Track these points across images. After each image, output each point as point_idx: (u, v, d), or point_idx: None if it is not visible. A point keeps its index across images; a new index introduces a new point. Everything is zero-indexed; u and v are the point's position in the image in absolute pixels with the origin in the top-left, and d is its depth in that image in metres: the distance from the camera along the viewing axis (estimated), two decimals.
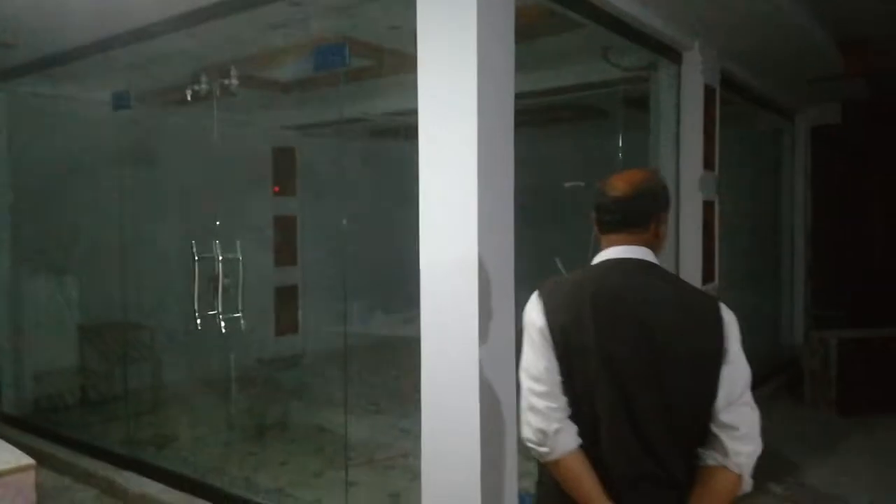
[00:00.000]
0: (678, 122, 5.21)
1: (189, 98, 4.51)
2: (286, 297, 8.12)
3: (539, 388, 1.78)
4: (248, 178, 7.58)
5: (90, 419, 5.74)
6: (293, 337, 8.19)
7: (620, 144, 4.76)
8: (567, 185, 3.86)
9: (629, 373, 1.73)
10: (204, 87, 4.46)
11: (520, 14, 4.08)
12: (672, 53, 5.07)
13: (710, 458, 1.74)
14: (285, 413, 5.99)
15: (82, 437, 5.29)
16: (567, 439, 1.77)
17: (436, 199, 3.02)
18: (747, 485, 1.76)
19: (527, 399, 1.81)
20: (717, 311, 1.76)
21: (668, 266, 5.18)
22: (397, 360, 6.05)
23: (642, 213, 1.82)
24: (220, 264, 4.29)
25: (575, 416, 1.79)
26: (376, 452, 5.08)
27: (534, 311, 1.83)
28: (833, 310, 7.89)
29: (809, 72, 6.36)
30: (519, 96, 6.20)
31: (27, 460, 2.47)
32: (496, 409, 2.93)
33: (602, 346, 1.73)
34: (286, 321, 8.11)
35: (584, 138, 7.21)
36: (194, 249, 4.39)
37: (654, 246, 1.86)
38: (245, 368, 7.28)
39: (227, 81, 4.38)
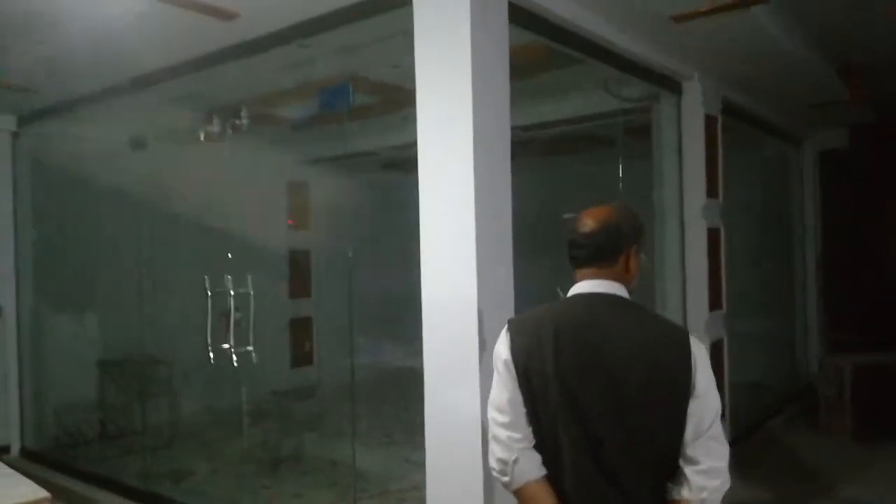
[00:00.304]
0: (680, 151, 5.29)
1: (202, 138, 4.67)
2: (301, 329, 8.21)
3: (502, 418, 1.83)
4: (263, 212, 7.74)
5: (108, 453, 5.82)
6: (308, 369, 8.26)
7: (620, 174, 4.83)
8: (566, 216, 3.92)
9: (590, 405, 1.74)
10: (216, 127, 4.62)
11: (519, 51, 4.23)
12: (672, 84, 5.17)
13: (676, 492, 1.75)
14: (299, 445, 6.03)
15: (100, 472, 5.37)
16: (527, 469, 1.80)
17: (435, 233, 3.12)
18: None
19: (491, 429, 1.86)
20: (686, 344, 1.76)
21: (675, 295, 5.23)
22: (409, 392, 6.10)
23: (610, 248, 1.86)
24: (232, 299, 4.38)
25: (540, 447, 1.83)
26: (389, 485, 5.10)
27: (501, 345, 1.88)
28: (848, 334, 7.82)
29: (812, 98, 6.42)
30: (525, 128, 6.33)
31: (43, 493, 2.56)
32: None
33: (562, 379, 1.76)
34: (301, 353, 8.19)
35: (591, 168, 7.28)
36: (207, 285, 4.51)
37: (624, 279, 1.89)
38: (261, 401, 7.36)
39: (238, 121, 4.54)
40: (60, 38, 4.21)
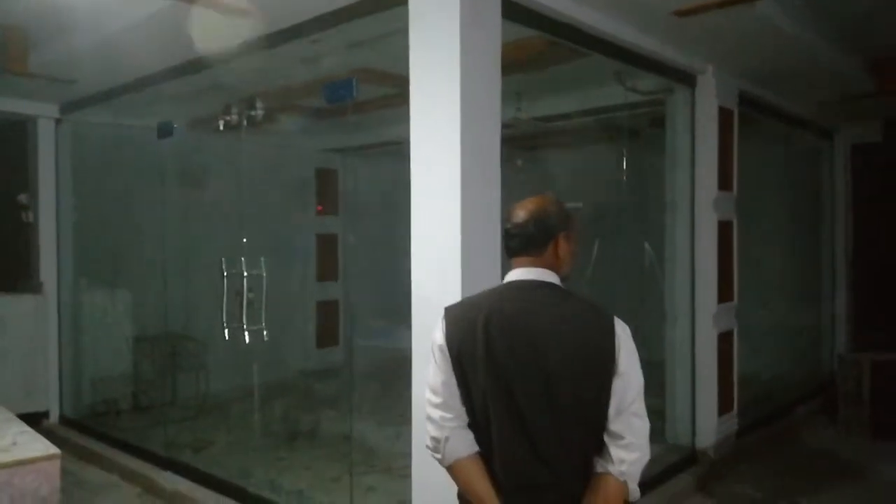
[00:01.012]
0: (693, 143, 5.31)
1: (221, 127, 4.90)
2: (327, 311, 8.50)
3: (436, 399, 1.96)
4: (291, 198, 8.02)
5: (139, 423, 6.17)
6: (334, 349, 8.55)
7: (624, 167, 4.90)
8: (570, 205, 4.05)
9: (518, 385, 1.86)
10: (234, 117, 4.85)
11: (524, 45, 4.34)
12: (685, 77, 5.19)
13: (600, 465, 1.87)
14: (317, 422, 6.30)
15: (131, 440, 5.73)
16: (458, 446, 1.93)
17: (424, 227, 3.31)
18: (634, 493, 1.88)
19: (425, 409, 1.99)
20: (610, 325, 1.88)
21: (684, 286, 5.28)
22: None
23: (539, 237, 1.98)
24: (245, 280, 4.62)
25: (473, 426, 1.95)
26: (397, 461, 5.31)
27: (437, 330, 2.01)
28: (879, 330, 7.70)
29: (838, 92, 6.32)
30: (544, 119, 6.38)
31: (54, 450, 2.83)
32: None
33: (492, 361, 1.88)
34: (327, 334, 8.48)
35: (608, 158, 7.33)
36: (223, 266, 4.76)
37: (555, 266, 2.00)
38: (286, 379, 7.67)
39: (253, 112, 4.76)
40: (96, 34, 4.52)
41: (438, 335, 2.00)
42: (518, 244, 2.00)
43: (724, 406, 5.32)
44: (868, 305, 7.92)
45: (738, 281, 5.59)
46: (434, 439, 1.96)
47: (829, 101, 6.69)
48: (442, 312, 2.05)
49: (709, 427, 5.23)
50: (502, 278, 3.30)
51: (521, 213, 2.01)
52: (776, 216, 7.47)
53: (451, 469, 1.96)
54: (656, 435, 5.19)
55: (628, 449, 1.83)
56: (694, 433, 5.25)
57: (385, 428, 5.84)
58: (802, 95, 6.48)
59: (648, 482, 4.60)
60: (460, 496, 2.01)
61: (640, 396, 1.87)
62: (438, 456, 1.97)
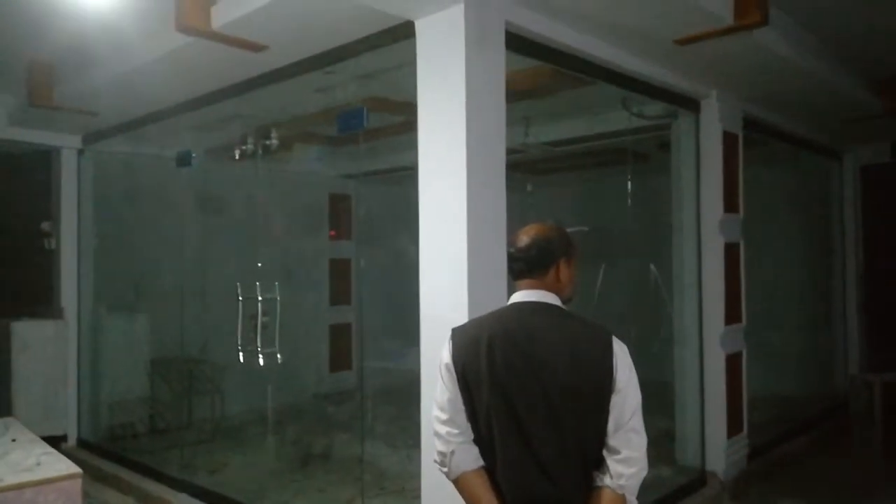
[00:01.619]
0: (698, 167, 5.39)
1: (238, 157, 5.06)
2: (340, 335, 8.59)
3: (442, 416, 2.06)
4: (305, 223, 8.17)
5: (156, 445, 6.28)
6: (347, 373, 8.63)
7: (629, 190, 4.98)
8: (570, 230, 4.13)
9: (520, 402, 1.95)
10: (250, 146, 5.00)
11: (530, 73, 4.47)
12: (689, 102, 5.28)
13: (600, 479, 1.95)
14: (331, 444, 6.36)
15: (148, 462, 5.82)
16: (463, 460, 2.02)
17: (432, 250, 3.39)
18: None
19: (433, 425, 2.09)
20: (609, 344, 1.96)
21: (692, 309, 5.33)
22: None
23: (541, 262, 2.09)
24: (260, 304, 4.74)
25: (478, 442, 2.04)
26: (409, 482, 5.36)
27: (444, 350, 2.11)
28: (891, 352, 7.68)
29: (844, 114, 6.38)
30: (551, 144, 6.50)
31: (76, 470, 2.94)
32: None
33: (495, 379, 1.98)
34: (340, 357, 8.57)
35: (616, 181, 7.42)
36: (239, 291, 4.89)
37: (556, 289, 2.11)
38: (300, 403, 7.76)
39: (268, 141, 4.91)
40: (118, 69, 4.71)
41: (445, 354, 2.10)
42: (521, 268, 2.11)
43: (733, 428, 5.33)
44: (880, 326, 7.91)
45: (746, 302, 5.63)
46: (441, 453, 2.06)
47: (836, 123, 6.75)
48: (449, 333, 2.15)
49: (718, 449, 5.23)
50: (508, 298, 3.45)
51: (524, 239, 2.12)
52: (787, 237, 7.51)
53: (457, 482, 2.05)
54: (666, 457, 5.25)
55: (626, 463, 1.91)
56: (703, 455, 5.27)
57: (398, 450, 5.91)
58: (809, 118, 6.56)
59: None
60: None
61: (638, 412, 1.95)
62: (445, 469, 2.06)
